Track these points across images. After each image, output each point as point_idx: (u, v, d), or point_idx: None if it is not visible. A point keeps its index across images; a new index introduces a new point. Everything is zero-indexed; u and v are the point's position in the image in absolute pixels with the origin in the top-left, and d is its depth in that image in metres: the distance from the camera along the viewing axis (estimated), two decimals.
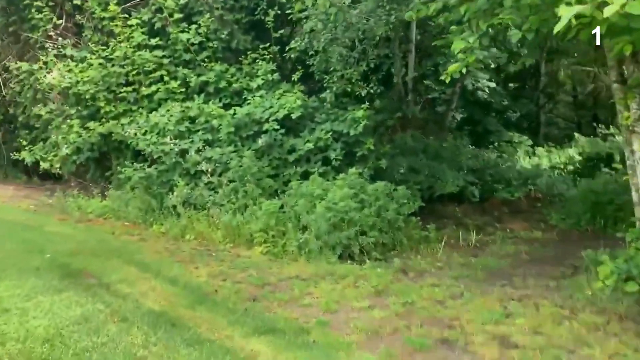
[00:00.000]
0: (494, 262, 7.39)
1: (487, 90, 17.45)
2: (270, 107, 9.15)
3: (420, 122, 13.42)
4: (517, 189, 11.24)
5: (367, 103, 9.43)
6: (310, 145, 8.93)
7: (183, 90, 10.49)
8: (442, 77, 5.88)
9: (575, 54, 19.79)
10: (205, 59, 10.72)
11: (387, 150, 9.91)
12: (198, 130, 9.52)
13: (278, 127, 8.82)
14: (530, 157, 16.10)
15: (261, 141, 8.77)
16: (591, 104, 23.61)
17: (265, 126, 8.84)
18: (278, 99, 9.17)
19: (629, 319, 5.03)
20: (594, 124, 20.05)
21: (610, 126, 15.14)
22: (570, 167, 13.44)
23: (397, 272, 6.71)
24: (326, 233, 7.23)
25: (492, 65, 20.97)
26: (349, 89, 9.66)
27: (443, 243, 8.20)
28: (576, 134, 17.01)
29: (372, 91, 9.45)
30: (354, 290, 5.76)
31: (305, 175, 8.88)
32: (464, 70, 5.62)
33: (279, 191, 8.56)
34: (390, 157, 10.34)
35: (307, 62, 10.05)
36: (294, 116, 8.86)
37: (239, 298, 5.28)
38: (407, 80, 12.40)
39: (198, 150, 9.12)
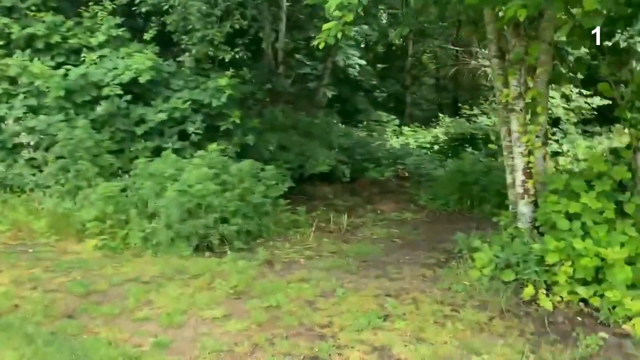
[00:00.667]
0: (366, 248, 6.80)
1: (357, 67, 17.15)
2: (114, 68, 7.63)
3: (291, 96, 12.57)
4: (387, 169, 10.92)
5: (232, 70, 8.31)
6: (163, 116, 7.62)
7: (2, 44, 8.46)
8: (315, 43, 5.05)
9: (438, 38, 20.38)
10: (33, 7, 8.74)
11: (255, 125, 8.90)
12: (19, 94, 7.68)
13: (122, 92, 7.36)
14: (397, 137, 16.09)
15: (100, 109, 7.25)
16: (452, 86, 24.65)
17: (106, 91, 7.32)
18: (123, 58, 7.66)
19: (511, 312, 4.63)
20: (457, 105, 20.84)
21: (474, 107, 15.60)
22: (437, 147, 13.55)
23: (262, 265, 5.80)
24: (179, 221, 6.08)
25: (362, 45, 20.94)
26: (211, 53, 8.43)
27: (313, 228, 7.46)
28: (440, 115, 17.37)
29: (237, 57, 8.32)
30: (208, 293, 4.73)
31: (158, 152, 7.57)
32: (337, 41, 4.90)
33: (122, 170, 7.16)
34: (258, 133, 9.36)
35: (163, 20, 8.62)
36: (142, 80, 7.45)
37: (47, 316, 3.98)
38: (277, 49, 11.42)
39: (18, 119, 7.34)
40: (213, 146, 7.39)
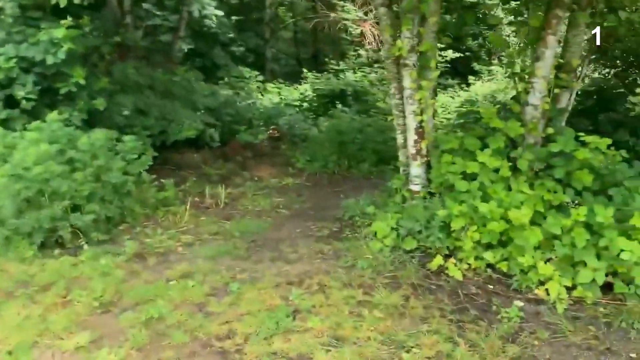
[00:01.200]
0: (252, 224, 6.06)
1: (214, 19, 15.80)
2: None
3: (143, 51, 11.03)
4: (260, 130, 10.13)
5: (70, 19, 6.76)
6: None
7: None
8: None
9: None
10: None
11: (104, 85, 7.49)
12: None
13: None
14: (262, 94, 15.26)
15: None
16: (312, 40, 24.16)
17: None
18: None
19: (424, 288, 4.28)
20: (317, 60, 20.42)
21: (340, 62, 15.24)
22: (306, 105, 12.99)
23: (131, 261, 4.79)
24: (15, 215, 4.77)
25: None
26: None
27: (188, 205, 6.49)
28: (305, 70, 16.80)
29: (75, 2, 6.77)
30: (65, 311, 3.67)
31: None
32: None
33: None
34: (108, 96, 7.94)
35: None
36: None
37: None
38: None
39: None
40: (53, 115, 5.98)
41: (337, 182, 8.67)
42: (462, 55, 17.54)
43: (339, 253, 5.04)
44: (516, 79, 5.36)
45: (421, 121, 5.50)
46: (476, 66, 18.18)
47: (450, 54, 16.43)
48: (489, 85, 14.70)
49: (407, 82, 5.42)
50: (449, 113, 14.33)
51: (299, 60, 24.08)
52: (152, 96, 9.19)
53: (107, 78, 8.25)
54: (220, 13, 15.78)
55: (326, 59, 19.26)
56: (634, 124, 8.81)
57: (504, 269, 4.47)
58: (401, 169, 6.02)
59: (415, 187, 5.77)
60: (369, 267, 4.62)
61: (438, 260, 4.55)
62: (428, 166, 5.69)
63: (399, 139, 5.94)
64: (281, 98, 14.59)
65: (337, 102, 12.32)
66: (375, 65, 13.85)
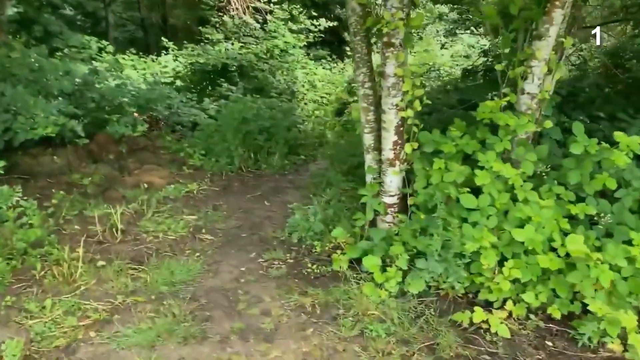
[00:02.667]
0: (177, 268, 4.34)
1: None
2: None
3: None
4: (138, 121, 8.03)
5: None
6: None
7: None
8: None
9: None
10: None
11: None
12: None
13: None
14: (115, 70, 12.71)
15: None
16: (159, 2, 21.29)
17: None
18: None
19: None
20: (166, 26, 18.01)
21: (215, 30, 13.20)
22: (180, 84, 10.89)
23: None
24: None
25: None
26: None
27: (71, 243, 4.51)
28: (165, 40, 14.43)
29: None
30: None
31: None
32: None
33: None
34: None
35: None
36: None
37: None
38: None
39: None
40: None
41: (250, 183, 7.13)
42: (333, 25, 16.49)
43: (328, 309, 3.66)
44: (514, 62, 4.35)
45: (406, 118, 4.25)
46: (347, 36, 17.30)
47: (323, 22, 15.27)
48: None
49: (392, 68, 4.11)
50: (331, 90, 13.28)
51: (144, 27, 21.12)
52: None
53: None
54: None
55: (185, 26, 16.99)
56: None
57: (553, 313, 3.50)
58: (369, 177, 4.74)
59: (389, 200, 4.57)
60: (386, 333, 3.32)
61: (480, 314, 3.42)
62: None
63: (367, 140, 4.64)
64: (142, 74, 12.25)
65: (220, 79, 10.50)
66: (257, 37, 12.11)
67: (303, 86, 11.38)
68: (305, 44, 13.69)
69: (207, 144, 7.87)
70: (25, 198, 4.77)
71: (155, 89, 8.66)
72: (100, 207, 5.63)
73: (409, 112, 4.18)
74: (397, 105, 4.23)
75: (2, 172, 5.17)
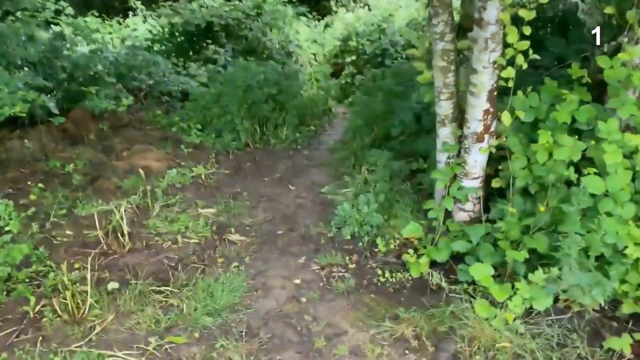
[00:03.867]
0: (217, 290, 3.35)
1: None
2: None
3: None
4: (122, 93, 6.82)
5: None
6: None
7: None
8: None
9: None
10: None
11: None
12: None
13: None
14: (83, 36, 11.21)
15: None
16: None
17: None
18: None
19: None
20: None
21: None
22: (158, 47, 9.53)
23: None
24: None
25: None
26: None
27: (73, 264, 3.46)
28: None
29: None
30: None
31: None
32: None
33: None
34: None
35: None
36: None
37: None
38: None
39: None
40: None
41: (263, 163, 6.10)
42: None
43: (440, 342, 2.75)
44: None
45: (504, 80, 3.28)
46: None
47: None
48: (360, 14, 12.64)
49: (494, 13, 3.11)
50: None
51: None
52: None
53: None
54: None
55: None
56: None
57: None
58: (442, 156, 3.80)
59: (470, 184, 3.65)
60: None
61: None
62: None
63: (444, 109, 3.67)
64: (114, 35, 10.83)
65: (206, 40, 9.22)
66: None
67: (299, 46, 10.20)
68: None
69: (204, 116, 6.74)
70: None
71: (138, 54, 7.37)
72: (92, 203, 4.54)
73: (510, 72, 3.21)
74: (493, 62, 3.25)
75: None
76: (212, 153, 6.14)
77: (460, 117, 3.67)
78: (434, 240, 3.62)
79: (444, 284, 3.16)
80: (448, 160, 3.75)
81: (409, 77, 6.36)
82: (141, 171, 5.34)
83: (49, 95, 6.11)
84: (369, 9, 12.54)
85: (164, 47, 9.54)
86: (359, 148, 6.14)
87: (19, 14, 11.77)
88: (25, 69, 6.03)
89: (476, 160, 3.58)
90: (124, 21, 12.71)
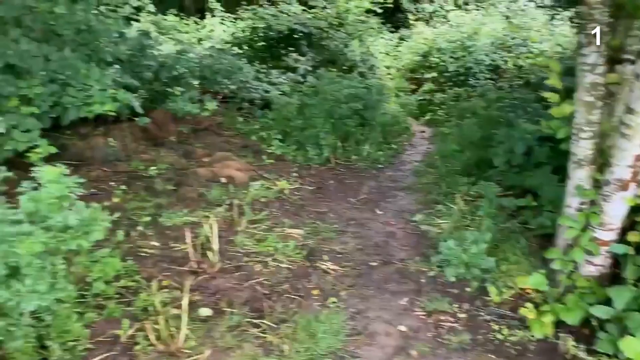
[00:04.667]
0: (307, 333, 3.04)
1: None
2: None
3: None
4: (206, 97, 6.68)
5: None
6: None
7: None
8: None
9: None
10: None
11: None
12: None
13: None
14: (165, 32, 11.31)
15: None
16: None
17: None
18: None
19: None
20: None
21: None
22: (237, 50, 9.41)
23: None
24: None
25: None
26: None
27: (161, 282, 3.25)
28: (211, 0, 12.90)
29: None
30: None
31: None
32: None
33: None
34: None
35: None
36: None
37: None
38: None
39: None
40: None
41: (347, 181, 5.81)
42: None
43: None
44: None
45: None
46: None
47: None
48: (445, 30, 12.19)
49: None
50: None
51: None
52: (24, 40, 5.26)
53: None
54: None
55: None
56: None
57: None
58: (574, 201, 3.36)
59: (604, 236, 3.20)
60: None
61: None
62: None
63: (582, 149, 3.25)
64: (193, 37, 10.85)
65: (287, 48, 9.05)
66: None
67: (382, 60, 9.89)
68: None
69: (285, 127, 6.51)
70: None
71: (225, 58, 7.23)
72: (177, 212, 4.35)
73: None
74: None
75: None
76: (293, 167, 5.90)
77: (599, 160, 3.23)
78: (558, 295, 3.19)
79: (581, 354, 2.73)
80: (581, 206, 3.32)
81: (511, 101, 5.93)
82: (224, 180, 5.17)
83: (134, 94, 6.04)
84: (450, 25, 12.09)
85: (242, 51, 9.42)
86: (448, 173, 5.77)
87: (102, 8, 11.98)
88: (116, 66, 5.95)
89: (616, 210, 3.14)
90: (201, 21, 12.78)
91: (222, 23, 12.04)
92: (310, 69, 8.15)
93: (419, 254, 4.07)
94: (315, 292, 3.41)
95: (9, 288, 2.15)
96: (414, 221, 4.72)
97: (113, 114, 5.21)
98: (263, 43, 9.24)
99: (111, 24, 6.78)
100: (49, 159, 4.01)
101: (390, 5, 11.80)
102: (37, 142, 4.44)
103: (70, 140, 5.43)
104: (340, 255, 3.98)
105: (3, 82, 4.60)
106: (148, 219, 4.22)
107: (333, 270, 3.74)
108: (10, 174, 2.80)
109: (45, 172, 2.36)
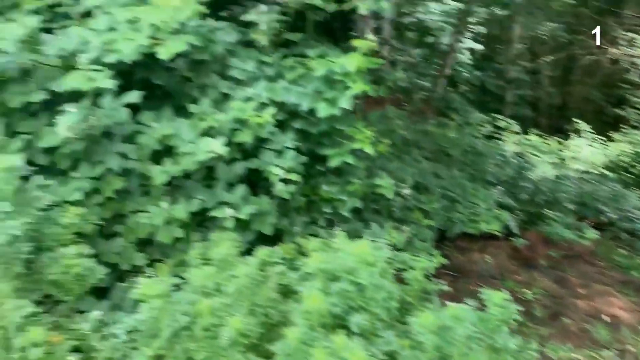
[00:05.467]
0: None
1: (467, 54, 12.91)
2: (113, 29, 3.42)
3: (402, 94, 8.25)
4: (581, 225, 6.40)
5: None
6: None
7: None
8: None
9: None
10: None
11: (383, 150, 4.61)
12: None
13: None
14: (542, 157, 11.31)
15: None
16: (560, 82, 19.55)
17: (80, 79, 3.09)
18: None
19: None
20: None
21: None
22: (613, 175, 8.82)
23: None
24: None
25: None
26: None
27: None
28: (577, 121, 12.58)
29: None
30: None
31: None
32: None
33: None
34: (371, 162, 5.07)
35: None
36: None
37: None
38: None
39: None
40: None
41: None
42: None
43: None
44: None
45: None
46: None
47: None
48: None
49: None
50: None
51: (534, 104, 19.59)
52: (424, 162, 6.17)
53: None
54: (479, 47, 12.74)
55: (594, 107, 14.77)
56: None
57: None
58: None
59: None
60: None
61: None
62: None
63: None
64: (559, 158, 10.70)
65: None
66: None
67: None
68: None
69: None
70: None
71: (605, 184, 6.90)
72: (561, 345, 4.17)
73: None
74: None
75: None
76: None
77: None
78: None
79: None
80: None
81: None
82: (607, 319, 4.75)
83: (511, 215, 6.26)
84: None
85: (619, 177, 8.78)
86: None
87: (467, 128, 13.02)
88: (499, 187, 6.33)
89: None
90: (564, 141, 12.56)
91: (590, 145, 11.61)
92: None
93: None
94: None
95: None
96: None
97: (497, 233, 5.50)
98: None
99: (493, 147, 7.35)
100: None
101: None
102: (431, 252, 5.01)
103: (451, 252, 5.93)
104: None
105: (410, 196, 5.43)
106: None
107: None
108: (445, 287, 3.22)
109: (491, 295, 2.62)
